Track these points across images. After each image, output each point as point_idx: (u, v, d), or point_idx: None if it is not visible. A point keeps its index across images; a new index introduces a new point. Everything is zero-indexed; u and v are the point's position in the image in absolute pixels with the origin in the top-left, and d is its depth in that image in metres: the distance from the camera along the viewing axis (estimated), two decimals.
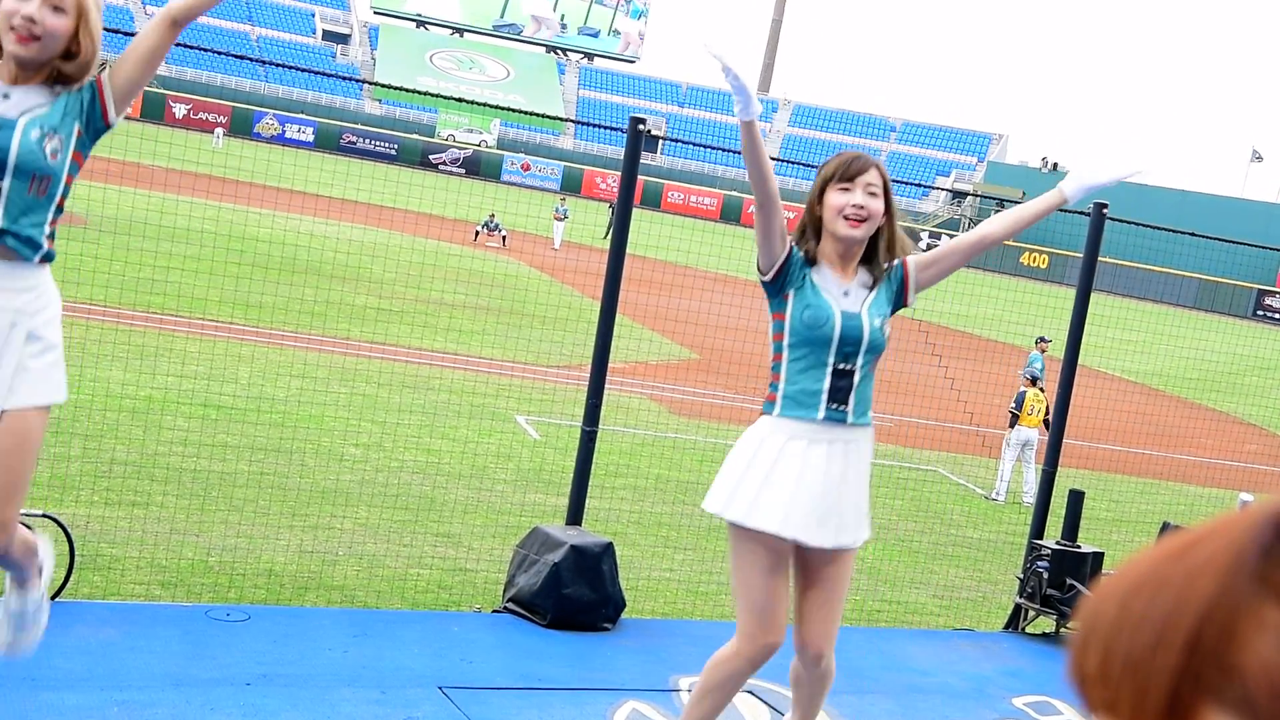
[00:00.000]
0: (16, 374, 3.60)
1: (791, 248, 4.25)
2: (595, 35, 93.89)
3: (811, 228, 4.28)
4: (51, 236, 3.71)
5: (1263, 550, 0.63)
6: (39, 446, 3.73)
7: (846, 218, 4.16)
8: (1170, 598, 0.65)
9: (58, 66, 3.71)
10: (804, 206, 4.32)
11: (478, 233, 34.54)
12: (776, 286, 4.25)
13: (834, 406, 4.17)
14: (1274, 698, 0.60)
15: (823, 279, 4.23)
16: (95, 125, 3.79)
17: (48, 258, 3.70)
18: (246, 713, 4.59)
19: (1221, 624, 0.62)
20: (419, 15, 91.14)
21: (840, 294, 4.23)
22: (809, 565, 4.27)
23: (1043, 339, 16.01)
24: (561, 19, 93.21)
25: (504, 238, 34.63)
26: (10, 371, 3.59)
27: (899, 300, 4.36)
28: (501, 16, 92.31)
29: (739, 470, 4.21)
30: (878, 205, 4.19)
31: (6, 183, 3.59)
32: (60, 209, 3.73)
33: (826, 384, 4.17)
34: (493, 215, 36.23)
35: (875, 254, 4.28)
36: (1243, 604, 0.62)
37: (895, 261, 4.35)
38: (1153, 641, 0.64)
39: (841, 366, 4.19)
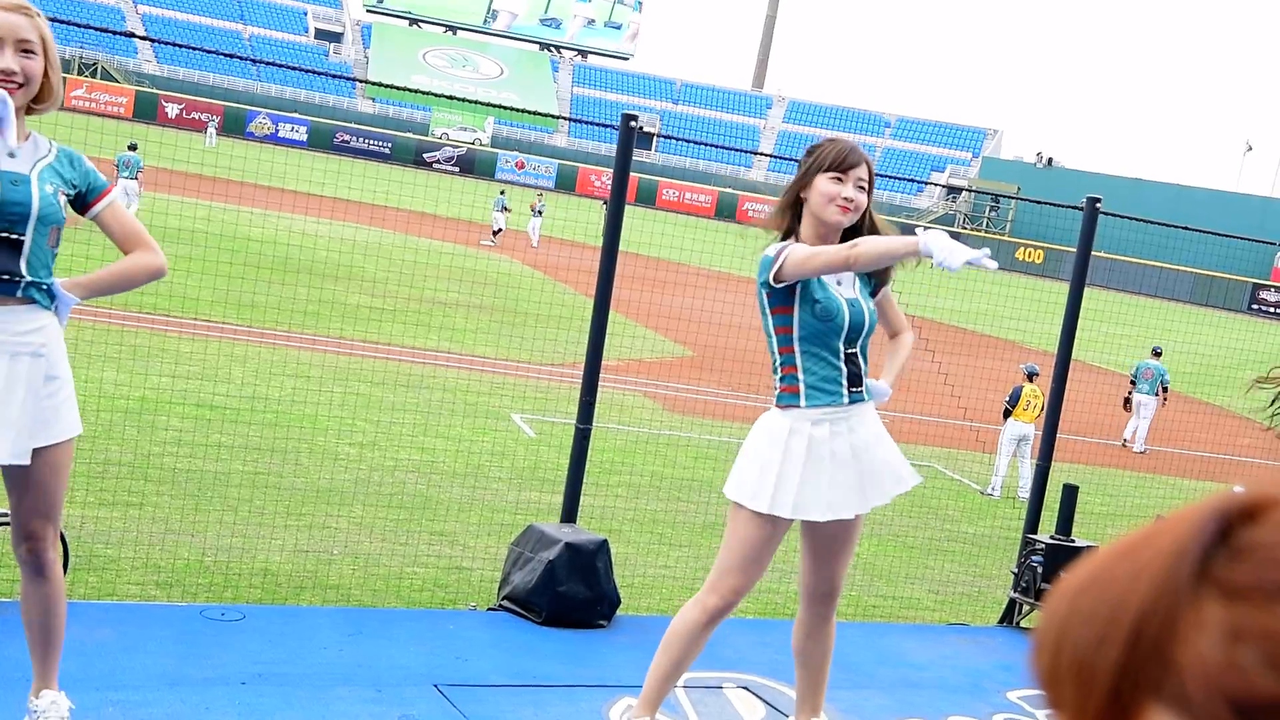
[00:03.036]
0: (40, 415, 3.83)
1: None
2: (591, 24, 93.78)
3: (792, 209, 4.44)
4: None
5: (1204, 547, 0.63)
6: (70, 468, 4.01)
7: (838, 205, 4.33)
8: (1114, 595, 0.65)
9: (30, 106, 3.86)
10: (788, 195, 4.44)
11: (496, 231, 34.66)
12: (786, 289, 4.35)
13: (854, 390, 4.40)
14: (1210, 695, 0.60)
15: None
16: (81, 201, 4.01)
17: (53, 297, 3.93)
18: (242, 712, 4.60)
19: (1161, 621, 0.62)
20: (409, 12, 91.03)
21: (835, 282, 4.38)
22: (824, 530, 4.51)
23: (1156, 350, 17.35)
24: (547, 7, 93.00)
25: (498, 231, 34.60)
26: (37, 410, 3.81)
27: (877, 288, 4.57)
28: (489, 11, 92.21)
29: (773, 464, 4.34)
30: (864, 199, 4.38)
31: (29, 236, 3.79)
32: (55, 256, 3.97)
33: (843, 370, 4.37)
34: (502, 191, 36.30)
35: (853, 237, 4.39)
36: (1183, 601, 0.62)
37: None
38: (1096, 639, 0.64)
39: (849, 351, 4.39)
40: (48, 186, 3.81)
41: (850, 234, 4.41)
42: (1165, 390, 18.57)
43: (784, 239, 4.41)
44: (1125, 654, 0.63)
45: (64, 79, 3.99)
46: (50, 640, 4.06)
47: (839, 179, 4.32)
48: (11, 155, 3.79)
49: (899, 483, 4.53)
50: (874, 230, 4.44)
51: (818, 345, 4.35)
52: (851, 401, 4.37)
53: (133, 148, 24.96)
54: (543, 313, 18.27)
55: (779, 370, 4.42)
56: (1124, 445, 18.60)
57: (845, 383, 4.36)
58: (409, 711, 4.82)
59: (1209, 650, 0.60)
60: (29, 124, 3.90)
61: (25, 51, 3.71)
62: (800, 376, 4.36)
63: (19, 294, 3.78)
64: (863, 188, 4.36)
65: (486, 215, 36.07)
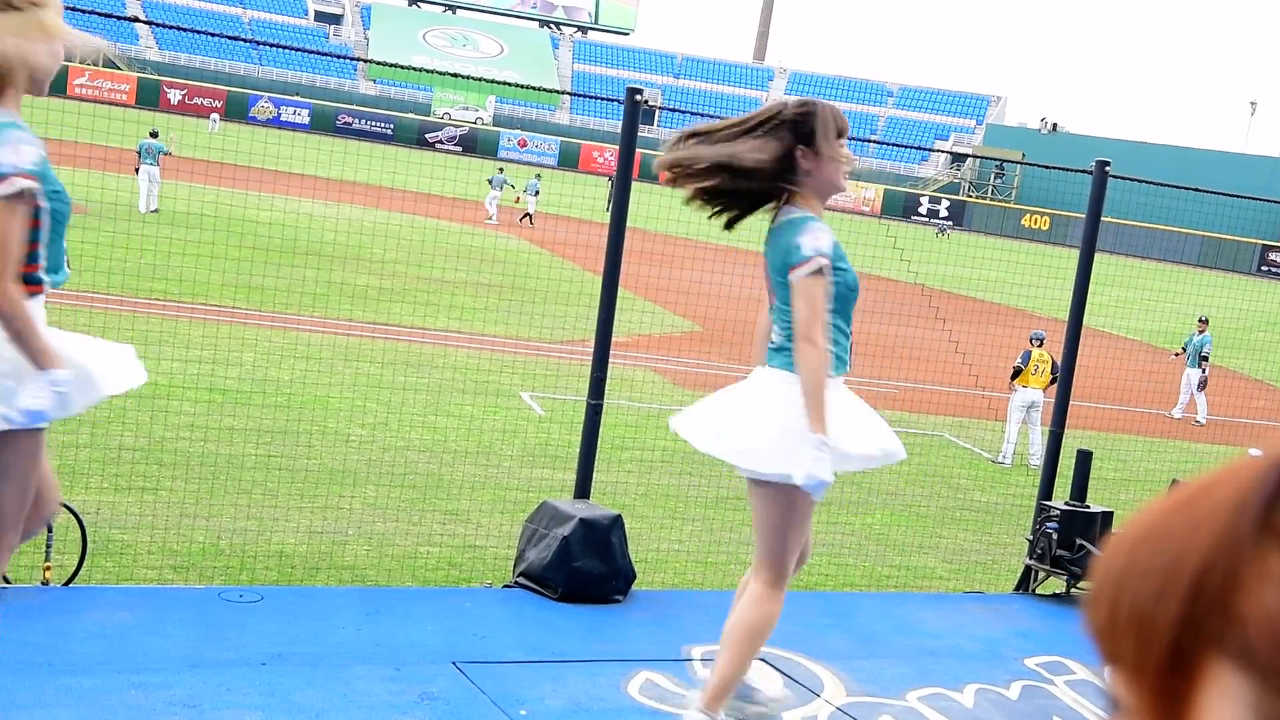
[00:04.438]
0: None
1: (836, 242, 4.26)
2: None
3: (776, 175, 4.22)
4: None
5: (1267, 498, 0.63)
6: (17, 476, 3.73)
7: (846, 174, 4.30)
8: (1174, 547, 0.64)
9: None
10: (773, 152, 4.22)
11: (526, 214, 34.66)
12: None
13: (851, 356, 4.42)
14: (1275, 646, 0.59)
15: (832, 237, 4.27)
16: None
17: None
18: (263, 692, 4.62)
19: (1223, 573, 0.62)
20: None
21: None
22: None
23: (1203, 319, 17.32)
24: None
25: (492, 215, 34.54)
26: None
27: None
28: None
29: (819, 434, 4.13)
30: None
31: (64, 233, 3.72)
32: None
33: (851, 339, 4.38)
34: (501, 169, 36.14)
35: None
36: (1245, 552, 0.62)
37: None
38: (1155, 592, 0.64)
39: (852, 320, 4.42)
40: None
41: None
42: (1204, 360, 18.69)
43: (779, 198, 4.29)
44: (1186, 607, 0.62)
45: (65, 67, 3.92)
46: None
47: (842, 145, 4.29)
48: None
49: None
50: None
51: (842, 317, 4.31)
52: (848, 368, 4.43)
53: (154, 134, 25.09)
54: (549, 290, 18.26)
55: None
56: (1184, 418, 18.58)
57: (850, 351, 4.39)
58: (428, 689, 4.84)
59: (1274, 601, 0.60)
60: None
61: None
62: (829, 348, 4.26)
63: None
64: None
65: (505, 197, 36.00)
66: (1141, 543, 0.66)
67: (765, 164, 4.19)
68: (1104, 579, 0.68)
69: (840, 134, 4.25)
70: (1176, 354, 19.09)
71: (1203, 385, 18.50)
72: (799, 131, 4.22)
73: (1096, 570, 0.69)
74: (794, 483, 4.15)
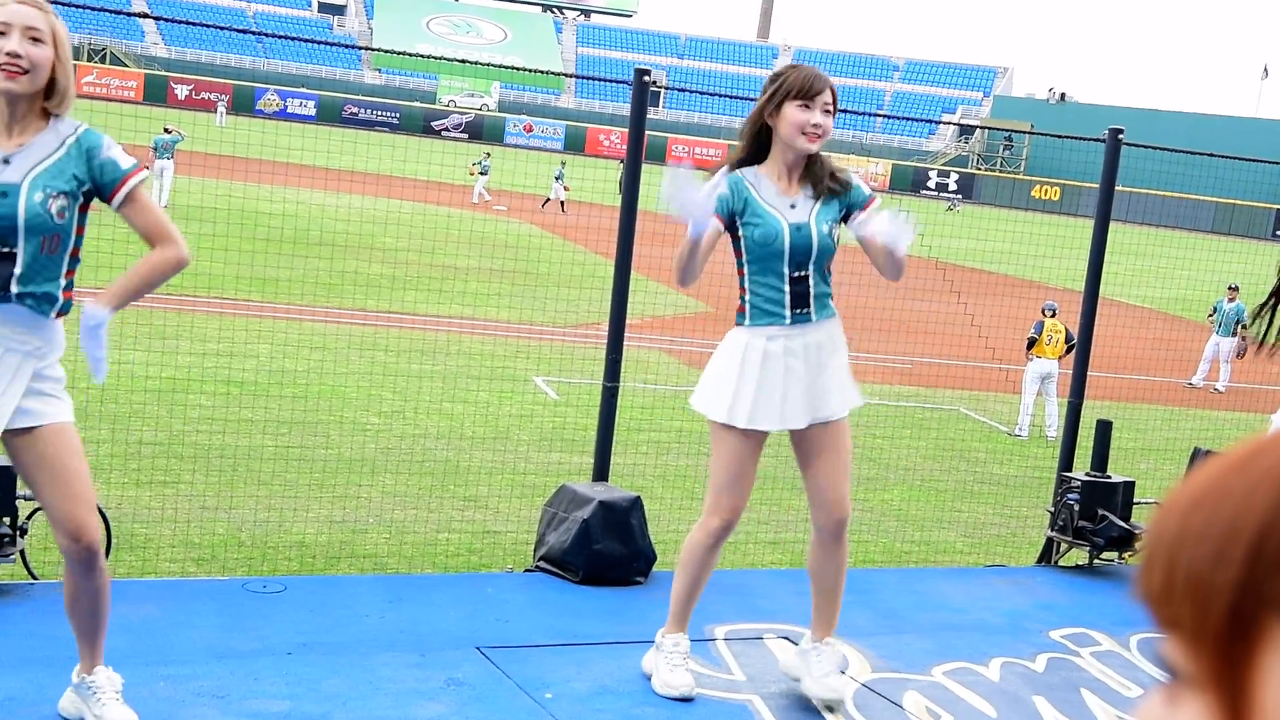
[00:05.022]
0: (31, 397, 3.79)
1: (721, 198, 4.52)
2: None
3: (755, 138, 4.59)
4: (69, 287, 3.87)
5: None
6: (80, 453, 3.94)
7: (805, 134, 4.47)
8: (1230, 509, 0.63)
9: (43, 106, 3.81)
10: (754, 120, 4.59)
11: (548, 200, 34.54)
12: (733, 229, 4.60)
13: (798, 311, 4.57)
14: None
15: (766, 193, 4.56)
16: (100, 196, 3.93)
17: (63, 310, 3.86)
18: (290, 681, 4.63)
19: None
20: None
21: (787, 207, 4.55)
22: (809, 443, 4.69)
23: (1233, 287, 17.21)
24: None
25: (485, 193, 34.35)
26: (18, 395, 3.76)
27: (846, 215, 4.65)
28: None
29: (730, 378, 4.59)
30: (830, 125, 4.54)
31: (20, 247, 3.73)
32: (76, 258, 3.89)
33: (787, 291, 4.54)
34: (487, 155, 35.94)
35: (813, 165, 4.60)
36: None
37: (859, 185, 4.69)
38: (1213, 555, 0.63)
39: (796, 274, 4.56)
40: (37, 195, 3.73)
41: (808, 160, 4.60)
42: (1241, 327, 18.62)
43: (737, 165, 4.60)
44: (1246, 570, 0.61)
45: (74, 66, 3.95)
46: (99, 626, 4.08)
47: (806, 106, 4.46)
48: (5, 162, 3.73)
49: (837, 406, 4.65)
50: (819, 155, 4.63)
51: (762, 268, 4.56)
52: (794, 322, 4.56)
53: (168, 130, 25.26)
54: (559, 274, 18.25)
55: (739, 289, 4.69)
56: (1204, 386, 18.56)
57: (789, 304, 4.54)
58: (454, 674, 4.85)
59: None
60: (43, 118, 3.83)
61: (33, 39, 3.69)
62: (746, 297, 4.62)
63: (12, 301, 3.74)
64: (829, 112, 4.51)
65: (508, 181, 35.86)
66: (1196, 506, 0.65)
67: (749, 130, 4.61)
68: (1157, 543, 0.66)
69: (800, 95, 4.46)
70: (1210, 316, 18.94)
71: (1242, 353, 18.39)
72: (765, 95, 4.58)
73: (1149, 535, 0.68)
74: (696, 408, 4.78)
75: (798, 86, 4.46)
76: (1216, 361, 18.78)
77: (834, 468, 4.69)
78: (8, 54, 3.66)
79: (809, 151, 4.53)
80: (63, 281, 3.84)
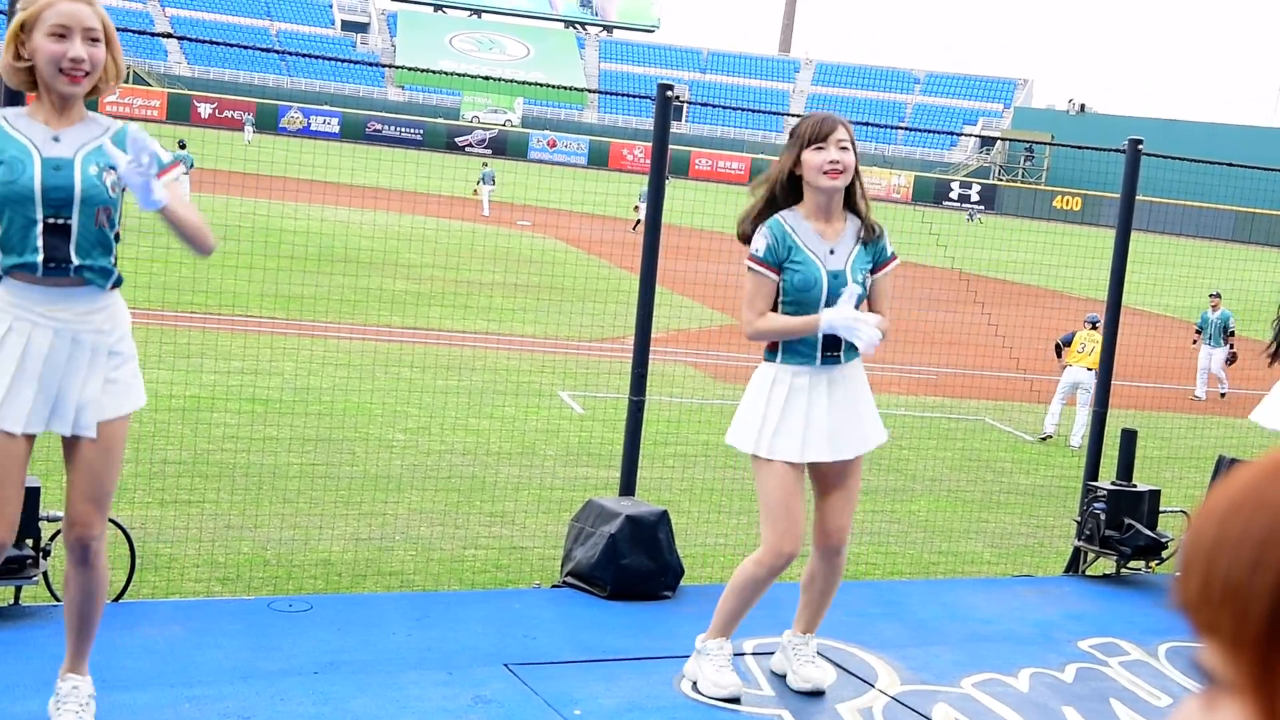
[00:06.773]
0: (105, 389, 3.91)
1: (770, 249, 4.72)
2: None
3: (790, 187, 4.80)
4: (116, 262, 3.97)
5: None
6: (123, 452, 4.09)
7: (825, 173, 4.67)
8: (1268, 517, 0.62)
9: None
10: (777, 169, 4.81)
11: (638, 223, 34.49)
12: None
13: (829, 354, 4.76)
14: None
15: (807, 238, 4.74)
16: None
17: (118, 283, 3.97)
18: (316, 700, 4.63)
19: None
20: None
21: (826, 252, 4.73)
22: (827, 478, 4.89)
23: (1215, 295, 17.28)
24: None
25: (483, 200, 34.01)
26: (98, 388, 3.89)
27: (876, 268, 4.87)
28: None
29: (758, 410, 4.79)
30: (850, 158, 4.71)
31: (75, 219, 3.82)
32: (118, 238, 3.98)
33: (820, 335, 4.70)
34: (485, 164, 35.84)
35: (852, 196, 4.81)
36: None
37: (886, 243, 4.89)
38: (1251, 561, 0.62)
39: None
40: (92, 168, 3.84)
41: (847, 194, 4.80)
42: (1229, 335, 18.59)
43: (783, 220, 4.75)
44: None
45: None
46: (86, 626, 4.13)
47: (821, 147, 4.68)
48: (56, 140, 3.84)
49: (865, 441, 4.86)
50: (862, 188, 4.84)
51: (797, 310, 4.72)
52: (824, 364, 4.75)
53: (182, 145, 25.38)
54: (583, 289, 18.28)
55: None
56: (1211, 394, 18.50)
57: (821, 347, 4.73)
58: (481, 692, 4.84)
59: None
60: (88, 106, 3.97)
61: (92, 40, 3.80)
62: None
63: (71, 275, 3.83)
64: (845, 147, 4.69)
65: (521, 195, 35.92)
66: (1233, 512, 0.64)
67: (773, 177, 4.81)
68: (1194, 550, 0.66)
69: (813, 141, 4.68)
70: (1195, 340, 18.95)
71: (1232, 360, 18.33)
72: (787, 151, 4.81)
73: (1186, 542, 0.67)
74: (730, 442, 5.00)
75: (809, 133, 4.70)
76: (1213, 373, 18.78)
77: (844, 502, 4.92)
78: (71, 59, 3.76)
79: (835, 188, 4.70)
80: (113, 256, 3.95)
